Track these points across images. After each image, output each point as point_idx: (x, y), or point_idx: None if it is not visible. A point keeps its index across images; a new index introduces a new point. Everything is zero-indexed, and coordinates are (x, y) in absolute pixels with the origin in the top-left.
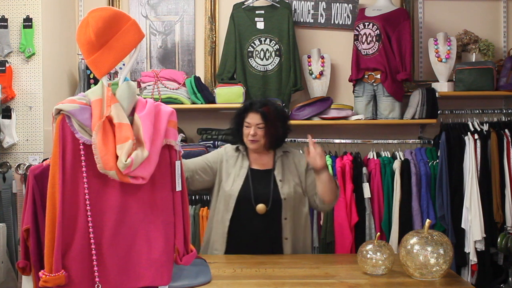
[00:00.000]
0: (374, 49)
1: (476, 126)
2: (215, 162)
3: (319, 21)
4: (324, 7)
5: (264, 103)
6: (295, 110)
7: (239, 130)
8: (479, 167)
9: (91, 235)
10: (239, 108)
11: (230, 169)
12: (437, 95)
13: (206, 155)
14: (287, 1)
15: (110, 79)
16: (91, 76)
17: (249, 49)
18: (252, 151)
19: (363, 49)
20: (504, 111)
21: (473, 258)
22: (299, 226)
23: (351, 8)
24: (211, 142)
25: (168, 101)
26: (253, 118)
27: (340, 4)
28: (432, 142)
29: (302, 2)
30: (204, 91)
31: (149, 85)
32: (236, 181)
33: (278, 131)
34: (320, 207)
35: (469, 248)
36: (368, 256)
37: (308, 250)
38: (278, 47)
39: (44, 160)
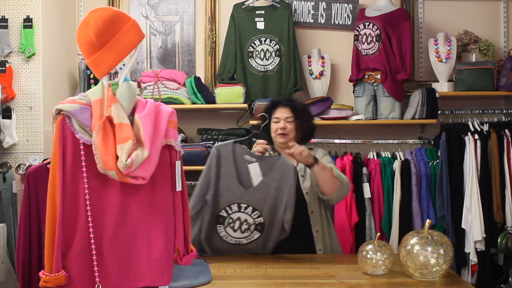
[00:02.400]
0: (374, 49)
1: (476, 126)
2: None
3: (319, 21)
4: (324, 7)
5: (291, 99)
6: None
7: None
8: (479, 167)
9: (91, 235)
10: (266, 106)
11: None
12: (437, 95)
13: None
14: (287, 1)
15: (110, 79)
16: (91, 76)
17: (249, 49)
18: (278, 147)
19: (363, 49)
20: (504, 111)
21: (473, 258)
22: (325, 219)
23: (351, 8)
24: (211, 142)
25: (168, 101)
26: (282, 113)
27: (340, 4)
28: (432, 142)
29: (302, 2)
30: (204, 91)
31: (149, 85)
32: None
33: (308, 124)
34: (324, 199)
35: (469, 248)
36: (368, 256)
37: (336, 243)
38: (278, 47)
39: (44, 160)
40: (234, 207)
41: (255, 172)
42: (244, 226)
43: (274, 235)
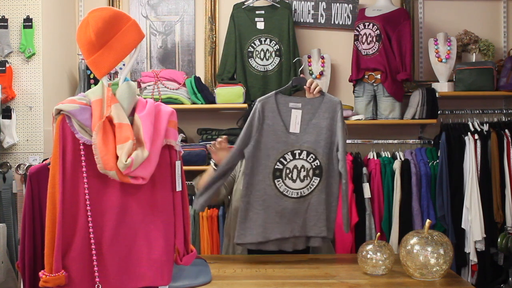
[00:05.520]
0: (374, 49)
1: (476, 126)
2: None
3: (319, 21)
4: (324, 7)
5: None
6: None
7: None
8: (479, 167)
9: (91, 235)
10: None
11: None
12: (437, 95)
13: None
14: (287, 1)
15: (110, 79)
16: (91, 76)
17: (249, 49)
18: None
19: (363, 49)
20: (504, 111)
21: (473, 258)
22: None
23: (351, 8)
24: (211, 142)
25: (168, 101)
26: None
27: (340, 4)
28: (432, 142)
29: (302, 2)
30: (204, 91)
31: (149, 85)
32: None
33: None
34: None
35: (469, 248)
36: (368, 256)
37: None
38: (278, 47)
39: (44, 160)
40: (288, 156)
41: (295, 118)
42: (303, 173)
43: (332, 179)
